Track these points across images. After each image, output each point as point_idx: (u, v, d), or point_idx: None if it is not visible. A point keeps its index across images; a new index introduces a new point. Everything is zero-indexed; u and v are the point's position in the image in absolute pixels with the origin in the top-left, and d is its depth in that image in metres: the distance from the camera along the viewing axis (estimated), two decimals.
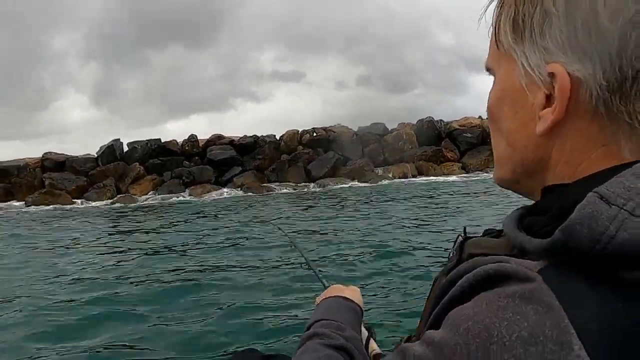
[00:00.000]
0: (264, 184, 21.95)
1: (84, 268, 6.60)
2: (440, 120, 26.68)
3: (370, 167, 23.39)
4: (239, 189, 21.40)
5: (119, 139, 24.21)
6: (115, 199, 20.26)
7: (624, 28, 0.43)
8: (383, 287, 4.93)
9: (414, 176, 22.81)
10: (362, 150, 24.52)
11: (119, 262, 6.87)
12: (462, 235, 0.66)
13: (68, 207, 19.03)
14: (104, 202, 19.98)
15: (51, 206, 19.08)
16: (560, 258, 0.43)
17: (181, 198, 20.40)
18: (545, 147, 0.50)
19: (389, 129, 26.59)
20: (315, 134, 25.28)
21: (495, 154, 0.57)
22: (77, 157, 23.28)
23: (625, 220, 0.40)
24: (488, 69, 0.57)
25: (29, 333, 4.12)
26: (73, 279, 5.88)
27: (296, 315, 4.06)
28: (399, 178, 22.53)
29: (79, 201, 20.28)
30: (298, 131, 25.52)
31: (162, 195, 20.78)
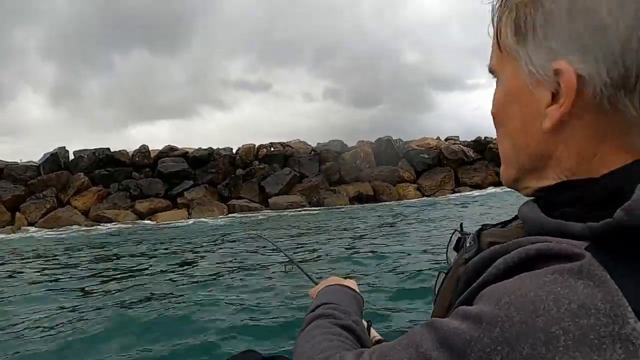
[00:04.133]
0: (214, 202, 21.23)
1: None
2: (399, 139, 26.73)
3: (326, 186, 23.05)
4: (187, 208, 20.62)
5: (64, 147, 22.97)
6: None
7: (627, 26, 0.44)
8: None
9: (369, 196, 22.56)
10: (319, 167, 24.17)
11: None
12: (459, 230, 0.70)
13: None
14: None
15: None
16: (612, 240, 0.42)
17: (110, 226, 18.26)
18: (550, 143, 0.51)
19: (348, 146, 26.41)
20: (272, 149, 24.79)
21: (501, 155, 0.59)
22: (17, 164, 21.93)
23: None
24: (491, 72, 0.58)
25: None
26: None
27: (293, 316, 4.04)
28: (353, 201, 22.23)
29: None
30: (255, 145, 24.96)
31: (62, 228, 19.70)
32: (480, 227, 0.63)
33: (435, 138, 27.18)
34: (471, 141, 26.95)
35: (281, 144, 25.51)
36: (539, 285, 0.40)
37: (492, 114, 0.59)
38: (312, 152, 25.11)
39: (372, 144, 26.46)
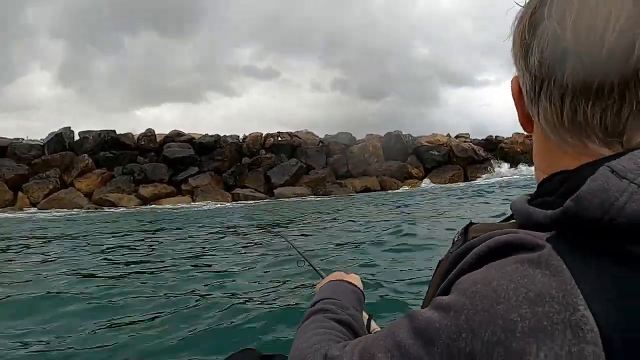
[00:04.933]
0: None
1: None
2: (409, 134, 26.28)
3: (332, 179, 22.70)
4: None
5: (69, 127, 22.71)
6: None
7: (535, 40, 0.52)
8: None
9: (376, 191, 22.18)
10: (326, 159, 23.80)
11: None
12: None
13: None
14: None
15: None
16: (567, 229, 0.45)
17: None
18: (533, 142, 0.59)
19: (356, 139, 26.01)
20: (279, 139, 24.42)
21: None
22: (21, 142, 21.68)
23: (634, 193, 0.42)
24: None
25: None
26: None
27: (294, 312, 3.88)
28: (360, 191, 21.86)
29: None
30: (262, 134, 24.60)
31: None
32: (469, 222, 0.66)
33: (445, 135, 26.69)
34: (482, 139, 26.49)
35: (289, 134, 25.13)
36: (502, 274, 0.43)
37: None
38: (320, 144, 24.75)
39: (381, 137, 26.05)
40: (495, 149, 25.24)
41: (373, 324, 1.00)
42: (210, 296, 4.59)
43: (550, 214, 0.46)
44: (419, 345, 0.45)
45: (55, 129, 22.38)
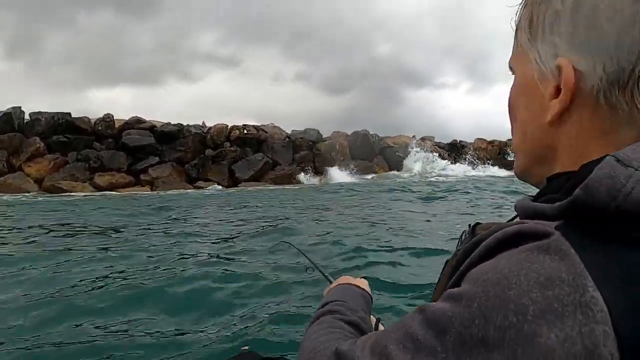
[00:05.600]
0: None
1: None
2: (375, 134, 26.28)
3: (298, 176, 22.32)
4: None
5: (19, 107, 21.12)
6: None
7: (622, 26, 0.48)
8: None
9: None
10: (292, 155, 23.38)
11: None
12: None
13: None
14: None
15: None
16: (575, 217, 0.45)
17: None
18: (553, 135, 0.56)
19: (323, 137, 25.72)
20: (245, 132, 23.76)
21: (513, 146, 0.63)
22: None
23: None
24: (510, 68, 0.63)
25: None
26: None
27: (295, 314, 3.79)
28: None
29: None
30: (227, 126, 23.85)
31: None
32: (475, 222, 0.67)
33: (411, 136, 26.87)
34: (447, 143, 26.83)
35: (255, 127, 24.51)
36: (512, 262, 0.44)
37: (508, 107, 0.63)
38: (287, 139, 24.28)
39: (347, 136, 25.90)
40: (460, 153, 25.61)
41: (381, 327, 0.97)
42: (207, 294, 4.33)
43: (557, 205, 0.46)
44: (432, 335, 0.45)
45: (0, 106, 20.79)
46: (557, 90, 0.53)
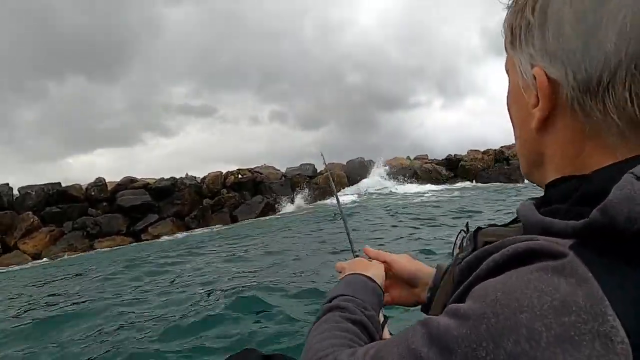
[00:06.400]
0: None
1: None
2: (370, 160, 26.11)
3: None
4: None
5: (7, 184, 20.47)
6: None
7: (586, 33, 0.48)
8: None
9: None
10: (292, 193, 23.01)
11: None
12: (464, 230, 0.74)
13: None
14: None
15: None
16: (592, 237, 0.43)
17: None
18: (540, 142, 0.56)
19: (317, 170, 25.51)
20: (240, 176, 23.40)
21: (516, 148, 0.62)
22: None
23: None
24: (506, 70, 0.61)
25: None
26: None
27: (296, 313, 3.81)
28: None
29: None
30: (222, 173, 23.52)
31: None
32: (477, 227, 0.65)
33: (405, 157, 26.78)
34: (442, 159, 26.74)
35: (249, 170, 24.24)
36: (524, 282, 0.41)
37: (507, 110, 0.62)
38: (283, 177, 23.99)
39: (343, 165, 25.73)
40: (457, 167, 25.48)
41: (386, 331, 0.93)
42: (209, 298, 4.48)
43: (571, 224, 0.44)
44: (435, 353, 0.43)
45: None
46: (538, 99, 0.53)
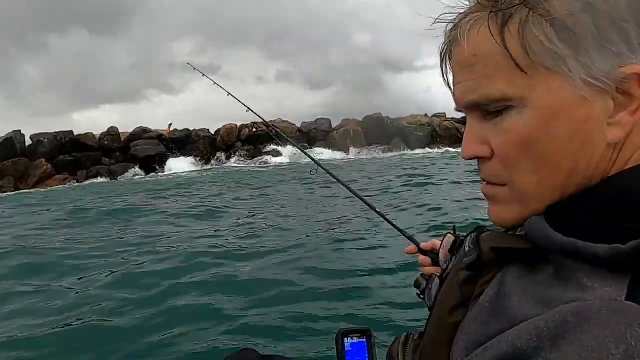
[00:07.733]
0: None
1: None
2: (387, 116, 25.51)
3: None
4: None
5: (19, 130, 20.18)
6: None
7: None
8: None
9: None
10: (309, 146, 22.61)
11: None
12: (452, 233, 0.73)
13: None
14: None
15: None
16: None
17: None
18: (607, 154, 0.47)
19: (333, 125, 24.98)
20: (255, 129, 22.90)
21: (515, 194, 0.50)
22: None
23: None
24: (503, 99, 0.47)
25: None
26: None
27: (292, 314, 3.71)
28: None
29: None
30: (236, 125, 23.02)
31: None
32: (475, 228, 0.60)
33: (424, 114, 26.14)
34: (461, 117, 26.08)
35: (263, 123, 23.55)
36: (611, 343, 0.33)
37: (505, 153, 0.49)
38: (298, 132, 23.49)
39: (359, 121, 25.16)
40: None
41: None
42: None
43: (616, 249, 0.37)
44: None
45: None
46: (625, 104, 0.45)
